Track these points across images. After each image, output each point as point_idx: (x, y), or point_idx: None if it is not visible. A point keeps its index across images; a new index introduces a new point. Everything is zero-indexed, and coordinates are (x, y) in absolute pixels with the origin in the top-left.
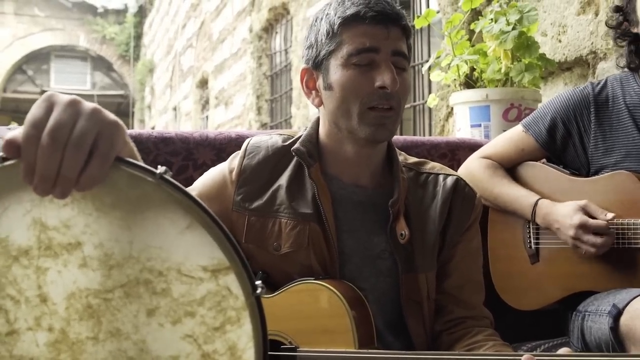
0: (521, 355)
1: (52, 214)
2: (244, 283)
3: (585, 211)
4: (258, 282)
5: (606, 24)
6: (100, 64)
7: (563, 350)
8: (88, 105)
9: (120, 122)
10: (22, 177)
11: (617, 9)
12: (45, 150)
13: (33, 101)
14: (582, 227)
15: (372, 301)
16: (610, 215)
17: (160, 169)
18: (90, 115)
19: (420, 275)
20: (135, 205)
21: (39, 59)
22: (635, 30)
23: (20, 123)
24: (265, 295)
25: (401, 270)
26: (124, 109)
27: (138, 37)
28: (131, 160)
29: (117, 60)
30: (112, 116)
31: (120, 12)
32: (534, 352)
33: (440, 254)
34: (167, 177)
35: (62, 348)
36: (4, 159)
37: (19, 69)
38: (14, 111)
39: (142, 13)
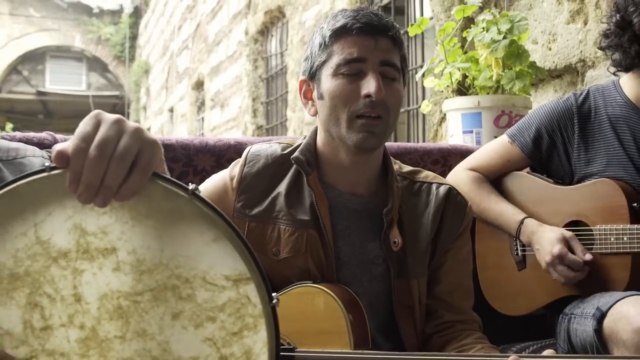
0: (508, 356)
1: (91, 221)
2: (262, 293)
3: (568, 244)
4: (274, 294)
5: (622, 17)
6: (96, 64)
7: (547, 352)
8: (131, 124)
9: (159, 141)
10: (68, 185)
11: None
12: (92, 162)
13: (28, 102)
14: (560, 258)
15: (365, 305)
16: (589, 257)
17: (192, 185)
18: (133, 133)
19: (412, 281)
20: (167, 216)
21: (34, 59)
22: None
23: (15, 123)
24: None
25: (394, 276)
26: (119, 109)
27: (133, 37)
28: (166, 176)
29: (113, 61)
30: (152, 136)
31: (116, 13)
32: (522, 354)
33: (431, 261)
34: (198, 193)
35: (91, 345)
36: (52, 168)
37: (14, 69)
38: (9, 111)
39: (137, 14)
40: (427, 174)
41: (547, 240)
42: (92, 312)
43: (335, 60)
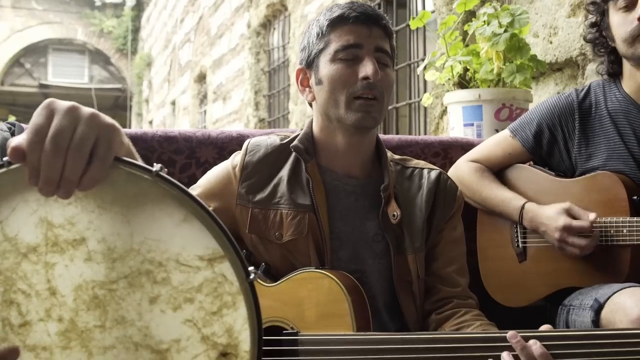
0: (506, 332)
1: (57, 213)
2: (238, 270)
3: (569, 213)
4: (251, 268)
5: (584, 38)
6: (98, 57)
7: (544, 327)
8: (86, 110)
9: (117, 124)
10: (28, 180)
11: (593, 25)
12: (48, 156)
13: (31, 94)
14: (567, 230)
15: (373, 282)
16: (592, 216)
17: (156, 166)
18: (88, 120)
19: (410, 256)
20: (134, 201)
21: (36, 52)
22: (612, 45)
23: (18, 116)
24: (269, 285)
25: (393, 251)
26: (121, 102)
27: (136, 30)
28: (128, 159)
29: (115, 53)
30: (109, 120)
31: (118, 6)
32: (520, 330)
33: (427, 239)
34: (163, 174)
35: (72, 336)
36: (10, 163)
37: (16, 62)
38: (12, 104)
39: (139, 6)
40: (417, 161)
41: (548, 218)
42: (69, 304)
43: (333, 47)
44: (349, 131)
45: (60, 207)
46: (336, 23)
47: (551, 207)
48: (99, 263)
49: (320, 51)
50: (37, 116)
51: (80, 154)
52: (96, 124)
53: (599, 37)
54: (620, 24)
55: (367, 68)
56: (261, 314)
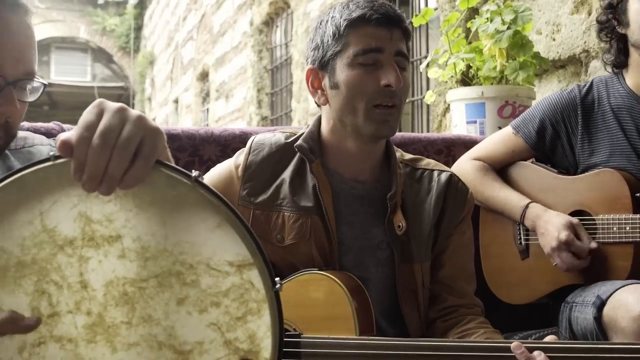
0: (511, 342)
1: (96, 209)
2: (265, 278)
3: (574, 230)
4: (277, 279)
5: (596, 19)
6: (101, 55)
7: (549, 338)
8: (134, 112)
9: (161, 129)
10: (73, 174)
11: (609, 6)
12: (95, 151)
13: None
14: (566, 244)
15: (373, 290)
16: (594, 245)
17: (195, 172)
18: (136, 121)
19: (416, 265)
20: (171, 203)
21: (39, 50)
22: (623, 32)
23: None
24: None
25: (397, 260)
26: (124, 101)
27: (138, 28)
28: (170, 163)
29: (118, 52)
30: (154, 123)
31: (121, 4)
32: (524, 340)
33: (434, 245)
34: (201, 180)
35: (98, 330)
36: (56, 157)
37: None
38: None
39: (142, 4)
40: (428, 162)
41: (553, 226)
42: (99, 298)
43: (351, 50)
44: (363, 139)
45: (100, 204)
46: (355, 24)
47: (559, 216)
48: (131, 261)
49: (337, 53)
50: (88, 113)
51: (125, 152)
52: (143, 125)
53: (611, 19)
54: None
55: (389, 76)
56: (283, 323)
